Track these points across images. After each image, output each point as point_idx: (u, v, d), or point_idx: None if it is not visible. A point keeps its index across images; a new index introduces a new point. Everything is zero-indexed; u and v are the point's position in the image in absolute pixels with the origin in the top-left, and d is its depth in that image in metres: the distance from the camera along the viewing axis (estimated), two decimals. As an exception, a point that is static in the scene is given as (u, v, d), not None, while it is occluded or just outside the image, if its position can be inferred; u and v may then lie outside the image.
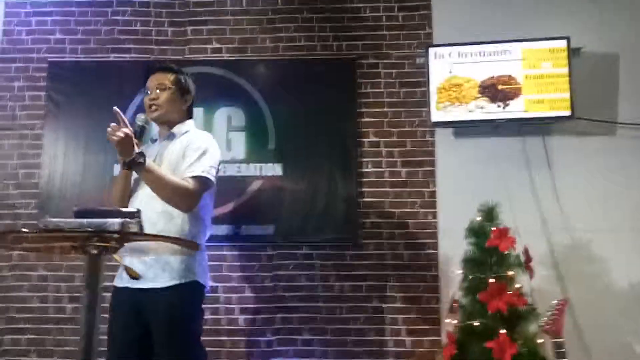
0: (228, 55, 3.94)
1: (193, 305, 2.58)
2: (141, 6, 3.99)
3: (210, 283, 2.70)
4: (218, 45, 3.95)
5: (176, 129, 2.69)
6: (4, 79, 3.92)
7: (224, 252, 3.73)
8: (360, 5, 3.95)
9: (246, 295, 3.69)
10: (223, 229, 3.71)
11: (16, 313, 3.68)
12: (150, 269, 2.47)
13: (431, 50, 3.71)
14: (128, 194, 2.60)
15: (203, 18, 3.98)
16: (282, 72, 3.90)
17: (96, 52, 3.95)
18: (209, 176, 2.56)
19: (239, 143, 3.82)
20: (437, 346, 3.50)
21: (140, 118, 2.54)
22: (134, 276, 2.11)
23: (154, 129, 2.78)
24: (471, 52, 3.68)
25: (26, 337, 3.66)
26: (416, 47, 3.88)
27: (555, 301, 3.00)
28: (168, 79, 2.69)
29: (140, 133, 2.49)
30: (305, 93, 3.85)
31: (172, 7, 3.99)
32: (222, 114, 3.85)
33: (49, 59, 3.93)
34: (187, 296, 2.53)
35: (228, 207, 3.73)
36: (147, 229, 2.20)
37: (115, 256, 2.05)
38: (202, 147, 2.60)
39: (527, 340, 3.00)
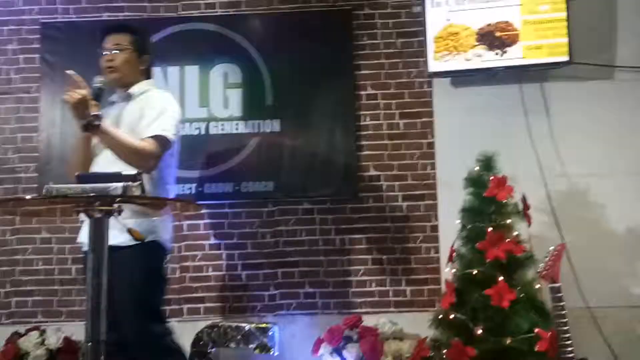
0: (222, 10, 3.89)
1: (153, 268, 2.56)
2: (132, -38, 3.92)
3: (172, 244, 2.78)
4: (211, 1, 3.89)
5: (134, 90, 2.68)
6: (-3, 43, 3.89)
7: (225, 210, 3.77)
8: (355, -46, 3.89)
9: (248, 251, 3.74)
10: (223, 187, 3.75)
11: (21, 276, 3.75)
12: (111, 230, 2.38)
13: (427, -1, 3.66)
14: (89, 158, 2.59)
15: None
16: (277, 26, 3.86)
17: (88, 11, 3.90)
18: (168, 135, 2.55)
19: (236, 100, 3.81)
20: (436, 295, 3.56)
21: (98, 80, 2.49)
22: (139, 238, 2.13)
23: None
24: (468, -2, 3.63)
25: (32, 299, 3.73)
26: (412, -5, 3.83)
27: (552, 247, 3.06)
28: (125, 39, 2.67)
29: (98, 95, 2.45)
30: (301, 47, 3.82)
31: (163, -37, 3.92)
32: (218, 71, 3.83)
33: (41, 20, 3.89)
34: (147, 257, 2.51)
35: (227, 165, 3.76)
36: None
37: (118, 218, 2.07)
38: (160, 106, 2.60)
39: (525, 286, 3.04)
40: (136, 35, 2.70)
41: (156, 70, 3.71)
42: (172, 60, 3.81)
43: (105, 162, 2.49)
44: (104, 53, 2.65)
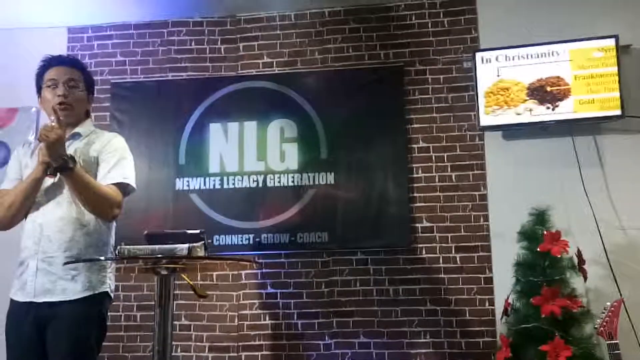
0: (279, 68, 4.08)
1: (101, 319, 2.43)
2: (195, 25, 4.18)
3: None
4: (269, 60, 4.09)
5: (81, 129, 2.53)
6: (71, 102, 4.17)
7: (282, 260, 3.88)
8: (406, 12, 4.02)
9: (304, 300, 3.83)
10: (279, 237, 3.87)
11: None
12: (59, 280, 2.33)
13: (478, 55, 3.75)
14: (34, 202, 2.41)
15: (254, 34, 4.13)
16: (331, 83, 4.01)
17: (155, 72, 4.16)
18: (131, 182, 2.48)
19: (292, 154, 3.95)
20: (492, 347, 3.55)
21: (52, 119, 2.32)
22: (203, 295, 2.26)
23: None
24: (518, 54, 3.70)
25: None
26: (463, 51, 3.92)
27: (609, 303, 3.04)
28: (78, 75, 2.52)
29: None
30: (354, 102, 3.95)
31: (224, 25, 4.16)
32: (275, 126, 3.99)
33: (112, 81, 4.16)
34: (98, 309, 2.40)
35: (284, 216, 3.88)
36: (57, 239, 2.34)
37: (184, 275, 2.21)
38: (118, 151, 2.49)
39: (581, 342, 3.04)
40: (85, 72, 2.57)
41: (217, 126, 3.98)
42: (232, 117, 4.02)
43: (53, 205, 2.38)
44: (52, 85, 2.47)
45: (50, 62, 2.52)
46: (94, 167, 2.45)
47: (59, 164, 2.26)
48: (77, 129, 2.51)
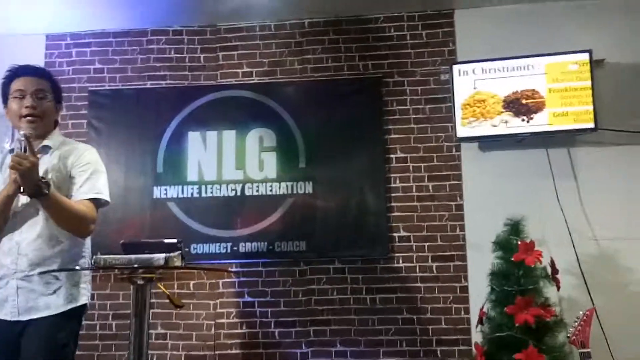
0: (258, 78, 4.10)
1: (76, 331, 2.42)
2: (175, 34, 4.18)
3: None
4: (248, 69, 4.11)
5: (50, 141, 2.46)
6: (48, 108, 4.14)
7: (260, 268, 3.89)
8: (385, 25, 4.07)
9: (281, 309, 3.84)
10: (257, 246, 3.87)
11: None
12: (41, 297, 2.32)
13: (455, 67, 3.81)
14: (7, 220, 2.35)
15: (233, 44, 4.14)
16: (310, 93, 4.04)
17: (133, 80, 4.15)
18: (104, 197, 2.44)
19: (271, 163, 3.97)
20: (467, 356, 3.59)
21: (22, 133, 2.23)
22: (179, 305, 2.26)
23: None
24: (494, 67, 3.76)
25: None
26: (440, 64, 3.98)
27: (582, 312, 3.09)
28: (46, 85, 2.44)
29: (25, 149, 2.20)
30: (333, 112, 3.98)
31: (204, 35, 4.17)
32: (254, 135, 4.01)
33: (89, 88, 4.15)
34: (77, 320, 2.41)
35: (263, 225, 3.89)
36: (34, 257, 2.31)
37: (160, 285, 2.21)
38: (91, 164, 2.44)
39: (555, 351, 3.08)
40: (53, 82, 2.48)
41: (195, 135, 3.98)
42: (210, 125, 4.02)
43: (29, 224, 2.34)
44: (20, 96, 2.38)
45: (17, 72, 2.45)
46: (67, 181, 2.41)
47: (33, 191, 2.19)
48: (46, 142, 2.44)
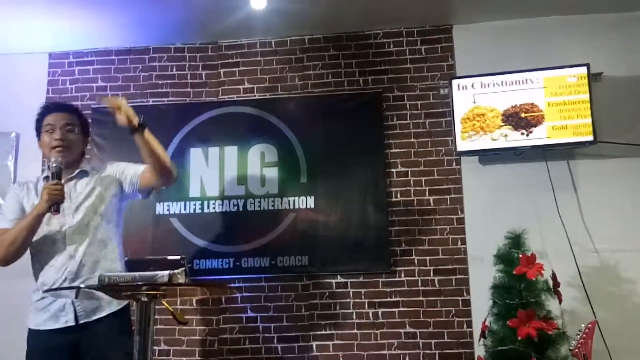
0: (259, 94, 4.13)
1: (129, 324, 2.70)
2: (176, 52, 4.23)
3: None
4: (250, 86, 4.14)
5: (86, 166, 2.81)
6: (52, 126, 4.18)
7: (262, 284, 3.90)
8: (384, 40, 4.11)
9: (284, 324, 3.84)
10: (260, 261, 3.89)
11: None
12: (103, 296, 2.53)
13: (454, 82, 3.84)
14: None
15: (235, 60, 4.18)
16: (311, 108, 4.07)
17: (136, 97, 4.18)
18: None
19: (273, 178, 3.99)
20: (470, 370, 3.60)
21: (54, 160, 2.57)
22: (183, 322, 2.28)
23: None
24: (493, 82, 3.80)
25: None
26: (439, 78, 4.01)
27: (584, 325, 3.10)
28: (75, 120, 2.77)
29: (59, 175, 2.56)
30: (334, 127, 4.01)
31: (205, 51, 4.21)
32: (256, 151, 4.04)
33: (92, 106, 4.17)
34: (125, 316, 2.69)
35: (264, 240, 3.91)
36: (86, 261, 2.60)
37: (164, 302, 2.23)
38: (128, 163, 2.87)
39: (557, 364, 3.09)
40: (82, 118, 2.83)
41: (197, 151, 4.01)
42: (212, 141, 4.05)
43: (73, 231, 2.63)
44: (51, 130, 2.70)
45: (48, 109, 2.77)
46: (115, 185, 2.78)
47: (137, 125, 2.67)
48: (83, 167, 2.78)
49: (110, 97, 2.66)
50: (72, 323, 2.56)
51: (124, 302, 2.64)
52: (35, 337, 2.60)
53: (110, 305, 2.61)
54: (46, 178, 2.66)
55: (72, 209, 2.67)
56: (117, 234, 2.77)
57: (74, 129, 2.75)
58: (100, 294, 2.44)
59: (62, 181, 2.57)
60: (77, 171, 2.75)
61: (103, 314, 2.60)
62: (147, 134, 2.67)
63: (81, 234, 2.64)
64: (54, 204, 2.49)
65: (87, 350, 2.57)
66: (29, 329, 2.63)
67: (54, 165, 2.54)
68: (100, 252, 2.65)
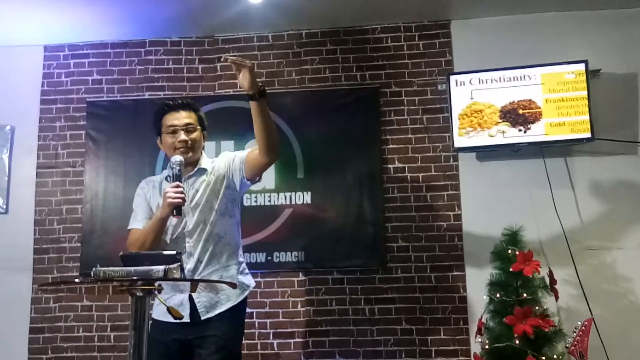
0: (256, 89, 4.10)
1: (244, 317, 2.77)
2: (173, 45, 4.19)
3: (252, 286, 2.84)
4: (246, 80, 4.11)
5: (205, 164, 2.79)
6: (46, 120, 4.16)
7: (258, 279, 3.86)
8: (382, 35, 4.09)
9: (280, 320, 3.83)
10: (256, 257, 3.87)
11: (63, 342, 3.89)
12: (221, 291, 2.63)
13: (452, 78, 3.83)
14: (160, 238, 2.67)
15: (231, 54, 4.14)
16: (308, 103, 4.05)
17: (132, 90, 4.15)
18: None
19: (269, 173, 3.92)
20: (466, 366, 3.59)
21: (176, 161, 2.60)
22: (178, 317, 2.26)
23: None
24: (491, 78, 3.78)
25: (74, 365, 3.86)
26: (437, 74, 3.99)
27: (580, 322, 3.10)
28: (193, 118, 2.77)
29: (179, 176, 2.58)
30: (331, 123, 3.99)
31: (201, 45, 4.18)
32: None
33: (88, 99, 4.15)
34: (242, 308, 2.73)
35: (260, 236, 3.89)
36: (202, 257, 2.67)
37: (159, 297, 2.20)
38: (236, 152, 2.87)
39: (553, 361, 3.09)
40: (198, 112, 2.83)
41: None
42: (209, 136, 3.97)
43: (192, 228, 2.68)
44: (173, 131, 2.72)
45: (167, 108, 2.77)
46: (226, 177, 2.76)
47: (258, 90, 2.66)
48: (202, 165, 2.77)
49: (238, 57, 2.65)
50: (187, 320, 2.59)
51: (241, 296, 2.69)
52: (154, 326, 2.63)
53: (229, 300, 2.65)
54: (168, 177, 2.70)
55: (191, 207, 2.69)
56: (232, 224, 2.76)
57: (195, 127, 2.76)
58: (218, 286, 2.54)
59: (182, 180, 2.60)
60: (196, 169, 2.76)
61: (222, 309, 2.63)
62: (264, 103, 2.64)
63: (199, 232, 2.67)
64: (175, 207, 2.51)
65: (199, 346, 2.61)
66: (152, 317, 2.67)
67: (175, 167, 2.57)
68: (216, 247, 2.68)
